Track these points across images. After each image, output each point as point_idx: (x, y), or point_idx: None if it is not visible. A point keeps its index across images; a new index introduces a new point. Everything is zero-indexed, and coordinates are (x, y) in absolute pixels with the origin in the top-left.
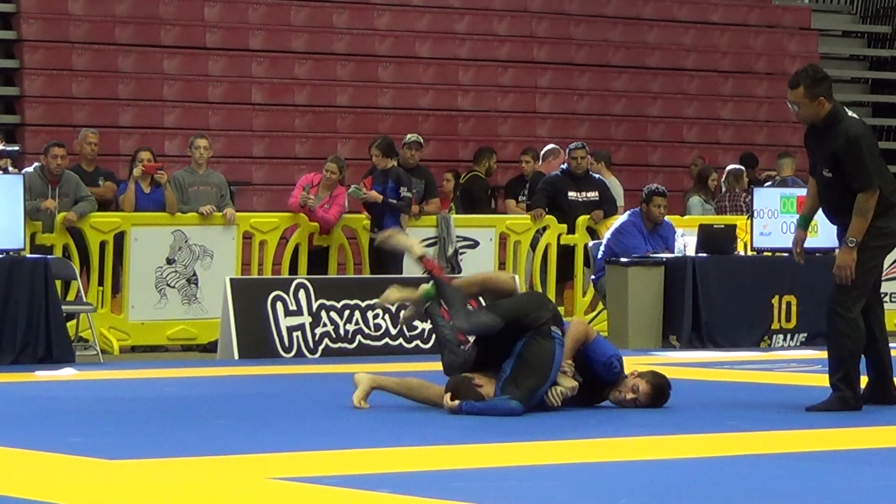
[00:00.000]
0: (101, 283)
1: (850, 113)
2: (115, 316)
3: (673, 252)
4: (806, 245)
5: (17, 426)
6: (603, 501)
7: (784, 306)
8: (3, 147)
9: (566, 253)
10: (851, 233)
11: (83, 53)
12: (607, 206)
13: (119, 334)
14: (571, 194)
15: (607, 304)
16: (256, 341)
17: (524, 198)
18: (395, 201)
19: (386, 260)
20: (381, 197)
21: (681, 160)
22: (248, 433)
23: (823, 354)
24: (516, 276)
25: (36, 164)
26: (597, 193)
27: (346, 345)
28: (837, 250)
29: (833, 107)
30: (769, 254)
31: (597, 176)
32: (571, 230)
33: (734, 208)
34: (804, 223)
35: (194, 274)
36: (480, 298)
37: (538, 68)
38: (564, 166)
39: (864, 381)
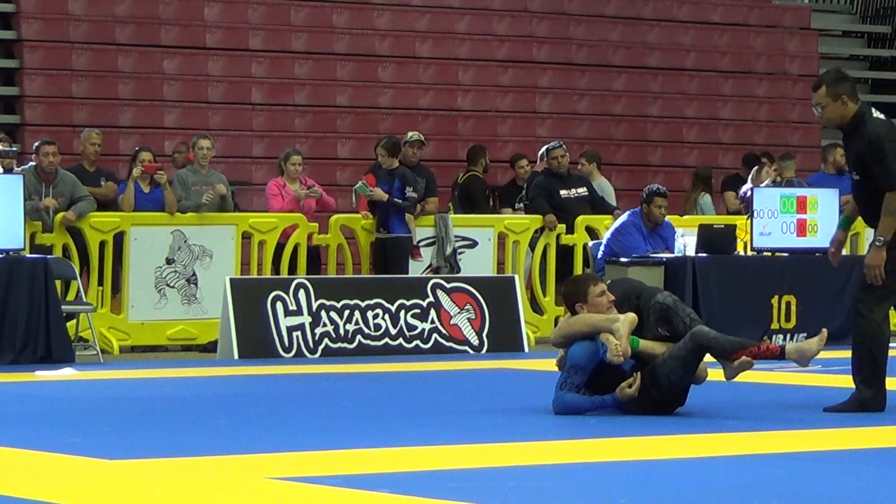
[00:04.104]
0: (100, 283)
1: (875, 114)
2: (114, 316)
3: (673, 252)
4: (805, 245)
5: (17, 426)
6: (603, 501)
7: (784, 306)
8: (2, 148)
9: (565, 253)
10: (879, 232)
11: (83, 53)
12: (602, 201)
13: (119, 334)
14: (563, 192)
15: None
16: (256, 341)
17: (521, 204)
18: (400, 201)
19: (390, 260)
20: (386, 195)
21: (681, 160)
22: (248, 433)
23: (823, 354)
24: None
25: (31, 163)
26: (585, 189)
27: (346, 345)
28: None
29: (859, 108)
30: (769, 254)
31: (578, 174)
32: (570, 229)
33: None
34: (846, 224)
35: (194, 274)
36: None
37: (538, 68)
38: (545, 168)
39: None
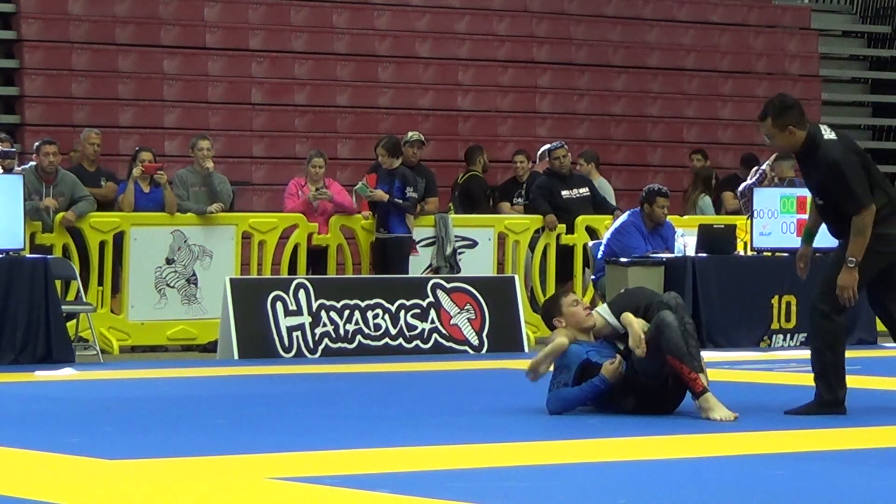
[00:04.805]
0: (100, 283)
1: (826, 136)
2: (114, 316)
3: (673, 252)
4: None
5: (17, 426)
6: (603, 501)
7: (784, 306)
8: (3, 149)
9: (565, 253)
10: (851, 253)
11: (83, 53)
12: (604, 201)
13: (119, 334)
14: (564, 193)
15: None
16: (256, 341)
17: (520, 200)
18: (400, 201)
19: (390, 260)
20: (387, 196)
21: (681, 160)
22: (248, 433)
23: None
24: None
25: (31, 163)
26: (587, 189)
27: (345, 345)
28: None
29: (808, 134)
30: (769, 254)
31: (580, 174)
32: (570, 229)
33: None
34: (808, 238)
35: (194, 274)
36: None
37: (538, 68)
38: (546, 168)
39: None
